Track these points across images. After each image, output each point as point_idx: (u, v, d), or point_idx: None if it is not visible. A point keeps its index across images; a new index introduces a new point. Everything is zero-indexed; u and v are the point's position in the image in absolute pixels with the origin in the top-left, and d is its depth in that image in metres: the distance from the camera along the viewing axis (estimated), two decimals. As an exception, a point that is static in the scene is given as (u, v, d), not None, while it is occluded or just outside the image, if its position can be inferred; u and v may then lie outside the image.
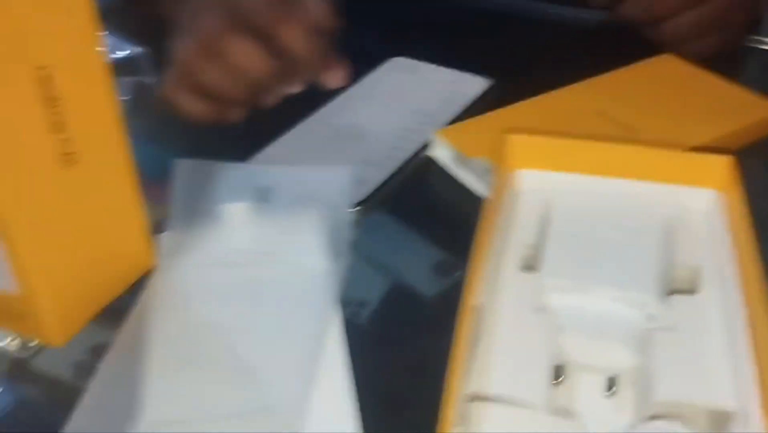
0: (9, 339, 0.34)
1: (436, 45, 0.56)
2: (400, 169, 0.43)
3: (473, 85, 0.50)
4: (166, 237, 0.37)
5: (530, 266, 0.32)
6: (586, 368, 0.29)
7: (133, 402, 0.30)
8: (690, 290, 0.30)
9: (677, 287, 0.31)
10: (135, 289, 0.35)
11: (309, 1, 0.47)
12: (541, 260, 0.32)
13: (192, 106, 0.45)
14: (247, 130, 0.46)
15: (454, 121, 0.46)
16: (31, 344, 0.33)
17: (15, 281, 0.31)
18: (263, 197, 0.38)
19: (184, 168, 0.38)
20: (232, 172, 0.39)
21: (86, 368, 0.32)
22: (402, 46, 0.54)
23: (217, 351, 0.32)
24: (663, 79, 0.49)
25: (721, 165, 0.33)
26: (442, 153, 0.44)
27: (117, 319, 0.34)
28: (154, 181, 0.43)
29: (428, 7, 0.63)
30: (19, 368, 0.33)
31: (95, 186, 0.32)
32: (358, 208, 0.40)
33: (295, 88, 0.47)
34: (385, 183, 0.41)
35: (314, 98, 0.49)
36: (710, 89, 0.48)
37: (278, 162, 0.42)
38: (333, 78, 0.48)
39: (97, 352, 0.32)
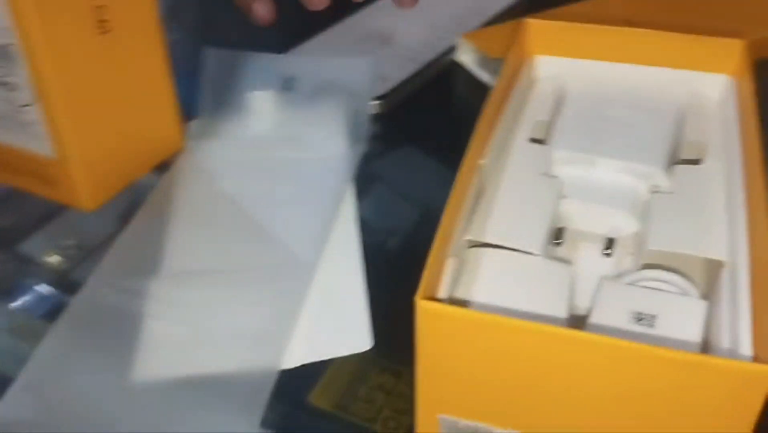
0: (51, 254, 0.36)
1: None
2: (425, 70, 0.44)
3: (505, -6, 0.51)
4: (194, 123, 0.39)
5: (541, 140, 0.33)
6: (587, 233, 0.30)
7: (156, 255, 0.32)
8: (696, 162, 0.31)
9: (684, 158, 0.31)
10: (163, 169, 0.37)
11: None
12: (551, 133, 0.32)
13: None
14: (279, 30, 0.48)
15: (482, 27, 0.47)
16: (72, 258, 0.35)
17: (51, 144, 0.33)
18: (288, 86, 0.39)
19: (212, 57, 0.40)
20: (259, 62, 0.41)
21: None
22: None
23: (238, 217, 0.34)
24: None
25: (734, 49, 0.33)
26: (467, 57, 0.45)
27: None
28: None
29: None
30: (59, 279, 0.34)
31: (128, 57, 0.34)
32: (379, 102, 0.41)
33: None
34: (408, 81, 0.43)
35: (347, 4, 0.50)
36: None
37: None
38: None
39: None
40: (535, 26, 0.35)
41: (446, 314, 0.22)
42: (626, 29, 0.35)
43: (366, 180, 0.36)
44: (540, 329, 0.21)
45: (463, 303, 0.25)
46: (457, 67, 0.45)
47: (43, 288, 0.33)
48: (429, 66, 0.44)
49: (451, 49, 0.45)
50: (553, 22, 0.35)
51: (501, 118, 0.32)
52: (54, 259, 0.35)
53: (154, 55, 0.35)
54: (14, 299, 0.33)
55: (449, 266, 0.25)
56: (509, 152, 0.31)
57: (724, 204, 0.28)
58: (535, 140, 0.32)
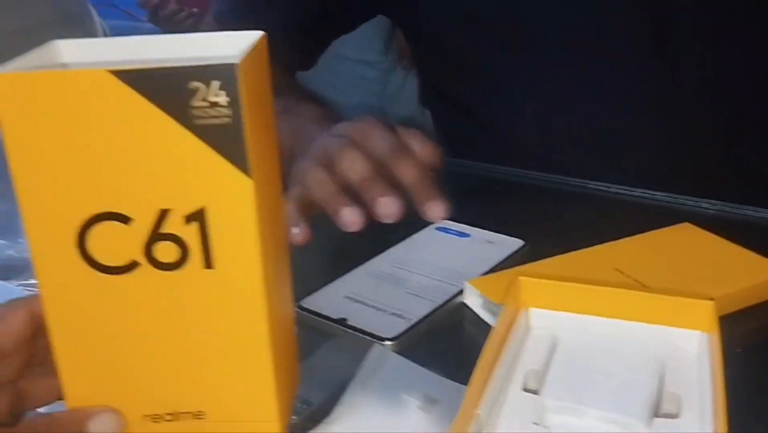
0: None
1: (478, 210, 0.63)
2: (435, 312, 0.48)
3: (508, 245, 0.56)
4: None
5: (533, 389, 0.36)
6: (577, 480, 0.33)
7: None
8: (674, 415, 0.34)
9: (663, 412, 0.34)
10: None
11: (418, 141, 0.54)
12: (543, 383, 0.36)
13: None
14: (304, 273, 0.53)
15: (487, 274, 0.52)
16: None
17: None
18: (428, 404, 0.40)
19: (376, 353, 0.42)
20: (408, 370, 0.42)
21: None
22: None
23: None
24: (678, 244, 0.54)
25: (705, 309, 0.37)
26: (473, 300, 0.49)
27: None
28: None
29: (473, 178, 0.71)
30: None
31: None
32: (394, 342, 0.45)
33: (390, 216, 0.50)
34: (420, 322, 0.47)
35: (366, 251, 0.56)
36: (725, 253, 0.53)
37: (331, 302, 0.49)
38: (434, 210, 0.51)
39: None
40: (528, 283, 0.40)
41: None
42: (611, 289, 0.39)
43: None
44: None
45: None
46: (465, 309, 0.50)
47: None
48: (439, 309, 0.48)
49: (460, 293, 0.50)
50: (543, 281, 0.40)
51: (497, 367, 0.36)
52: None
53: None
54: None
55: None
56: (504, 402, 0.35)
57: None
58: (528, 390, 0.36)
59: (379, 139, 0.53)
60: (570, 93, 0.73)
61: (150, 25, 1.79)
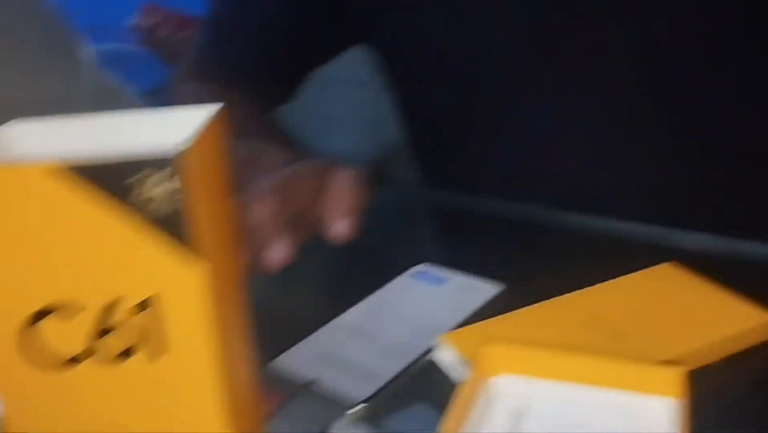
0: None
1: (459, 248, 0.63)
2: (408, 370, 0.48)
3: (485, 290, 0.55)
4: None
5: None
6: None
7: None
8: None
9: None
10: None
11: (342, 179, 0.55)
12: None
13: None
14: (277, 329, 0.53)
15: (462, 326, 0.52)
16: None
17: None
18: None
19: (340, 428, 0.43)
20: None
21: None
22: (429, 253, 0.60)
23: None
24: (661, 287, 0.53)
25: (676, 376, 0.37)
26: (446, 356, 0.49)
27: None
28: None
29: (456, 217, 0.70)
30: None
31: None
32: (361, 406, 0.44)
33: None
34: (391, 382, 0.46)
35: (341, 301, 0.55)
36: (706, 298, 0.52)
37: (301, 362, 0.48)
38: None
39: None
40: (493, 351, 0.39)
41: None
42: (579, 357, 0.39)
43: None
44: None
45: None
46: (435, 367, 0.49)
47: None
48: (409, 368, 0.48)
49: (431, 349, 0.49)
50: (509, 348, 0.39)
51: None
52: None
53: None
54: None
55: None
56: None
57: None
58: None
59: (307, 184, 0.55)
60: (563, 126, 0.73)
61: (144, 49, 1.79)
